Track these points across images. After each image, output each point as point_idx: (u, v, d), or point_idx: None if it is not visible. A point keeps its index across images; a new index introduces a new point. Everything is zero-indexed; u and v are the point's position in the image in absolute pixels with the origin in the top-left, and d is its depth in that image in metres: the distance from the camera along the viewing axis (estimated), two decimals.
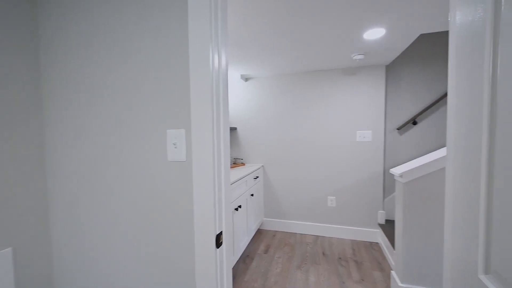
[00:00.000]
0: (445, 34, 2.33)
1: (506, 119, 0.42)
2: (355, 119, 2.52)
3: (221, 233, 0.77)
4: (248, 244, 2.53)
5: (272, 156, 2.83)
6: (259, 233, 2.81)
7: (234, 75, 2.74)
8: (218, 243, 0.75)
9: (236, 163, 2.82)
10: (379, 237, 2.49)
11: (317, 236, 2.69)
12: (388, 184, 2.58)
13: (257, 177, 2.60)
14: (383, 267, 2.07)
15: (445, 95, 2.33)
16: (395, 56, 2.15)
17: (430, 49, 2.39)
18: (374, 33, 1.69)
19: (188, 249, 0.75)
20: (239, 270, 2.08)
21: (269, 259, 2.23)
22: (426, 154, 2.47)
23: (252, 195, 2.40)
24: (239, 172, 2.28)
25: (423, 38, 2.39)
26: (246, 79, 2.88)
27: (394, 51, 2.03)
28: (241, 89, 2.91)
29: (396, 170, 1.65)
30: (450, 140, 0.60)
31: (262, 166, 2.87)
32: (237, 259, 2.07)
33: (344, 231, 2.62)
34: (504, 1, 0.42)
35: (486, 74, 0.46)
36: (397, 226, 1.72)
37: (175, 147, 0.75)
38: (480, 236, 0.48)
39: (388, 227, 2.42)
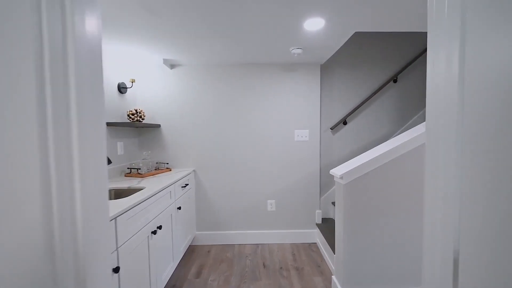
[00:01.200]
0: (375, 37, 2.51)
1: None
2: (293, 118, 2.42)
3: None
4: (176, 269, 2.05)
5: (205, 159, 2.42)
6: (191, 251, 2.36)
7: (153, 59, 2.18)
8: None
9: (159, 168, 2.27)
10: (317, 237, 2.48)
11: (258, 245, 2.46)
12: (323, 182, 2.61)
13: (187, 184, 2.14)
14: (323, 270, 2.01)
15: (371, 96, 2.51)
16: (330, 54, 2.13)
17: (359, 52, 2.52)
18: (315, 24, 1.55)
19: None
20: None
21: (202, 285, 1.84)
22: (356, 152, 2.62)
23: (179, 208, 1.93)
24: (161, 180, 1.78)
25: (353, 41, 2.50)
26: (172, 66, 2.36)
27: (330, 49, 1.99)
28: (165, 78, 2.37)
29: (336, 171, 1.56)
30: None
31: (194, 170, 2.42)
32: None
33: (284, 235, 2.49)
34: None
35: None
36: (337, 229, 1.64)
37: None
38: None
39: (324, 226, 2.42)
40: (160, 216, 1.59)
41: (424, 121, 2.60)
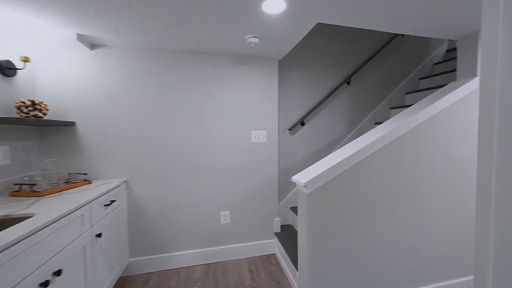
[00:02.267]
0: (332, 37, 2.46)
1: None
2: (250, 118, 2.16)
3: None
4: None
5: (141, 166, 1.93)
6: (121, 285, 1.83)
7: (62, 33, 1.59)
8: None
9: (73, 181, 1.68)
10: (276, 247, 2.28)
11: (209, 265, 2.10)
12: (281, 187, 2.43)
13: (113, 201, 1.63)
14: (284, 286, 1.80)
15: (327, 97, 2.46)
16: (289, 48, 1.95)
17: (316, 52, 2.44)
18: (275, 5, 1.31)
19: None
20: None
21: None
22: (315, 154, 2.53)
23: (99, 235, 1.42)
24: (69, 199, 1.25)
25: (311, 41, 2.40)
26: (93, 46, 1.80)
27: (289, 41, 1.81)
28: (83, 61, 1.79)
29: (300, 179, 1.36)
30: None
31: (125, 181, 1.90)
32: None
33: (240, 250, 2.20)
34: None
35: None
36: (301, 244, 1.44)
37: None
38: None
39: (284, 235, 2.24)
40: (62, 254, 1.09)
41: (375, 122, 2.71)
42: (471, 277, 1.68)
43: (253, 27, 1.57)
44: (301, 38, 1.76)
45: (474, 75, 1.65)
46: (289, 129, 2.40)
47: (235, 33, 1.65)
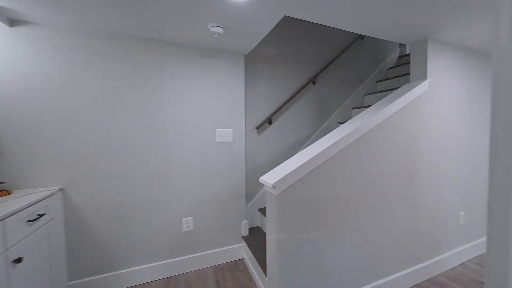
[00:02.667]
0: (302, 34, 2.44)
1: None
2: (215, 115, 2.00)
3: None
4: None
5: (82, 170, 1.62)
6: None
7: None
8: None
9: None
10: (244, 251, 2.16)
11: (170, 279, 1.88)
12: (249, 188, 2.33)
13: (42, 215, 1.31)
14: None
15: (295, 94, 2.44)
16: (255, 43, 1.87)
17: (283, 49, 2.40)
18: None
19: None
20: None
21: None
22: (282, 154, 2.49)
23: (18, 261, 1.12)
24: None
25: (277, 37, 2.35)
26: (13, 22, 1.44)
27: (256, 34, 1.72)
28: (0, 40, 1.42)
29: (267, 179, 1.27)
30: None
31: (61, 190, 1.57)
32: None
33: (205, 258, 2.02)
34: None
35: None
36: (270, 249, 1.36)
37: None
38: None
39: (252, 238, 2.14)
40: None
41: (339, 122, 2.79)
42: (422, 265, 1.82)
43: (217, 15, 1.43)
44: (268, 31, 1.69)
45: (425, 78, 1.78)
46: (256, 128, 2.32)
47: (198, 20, 1.49)
